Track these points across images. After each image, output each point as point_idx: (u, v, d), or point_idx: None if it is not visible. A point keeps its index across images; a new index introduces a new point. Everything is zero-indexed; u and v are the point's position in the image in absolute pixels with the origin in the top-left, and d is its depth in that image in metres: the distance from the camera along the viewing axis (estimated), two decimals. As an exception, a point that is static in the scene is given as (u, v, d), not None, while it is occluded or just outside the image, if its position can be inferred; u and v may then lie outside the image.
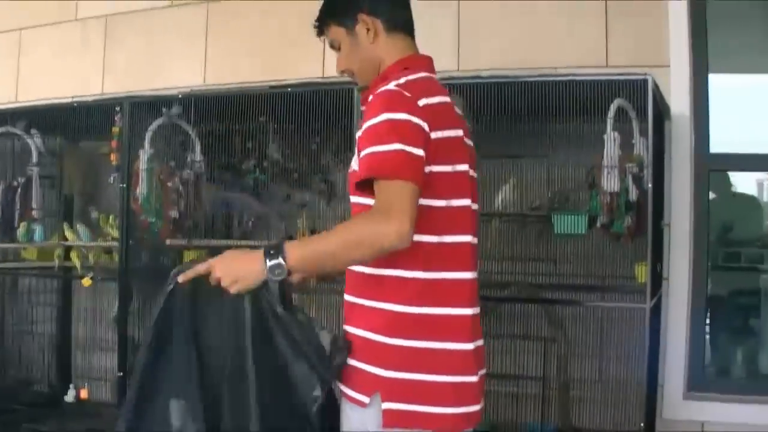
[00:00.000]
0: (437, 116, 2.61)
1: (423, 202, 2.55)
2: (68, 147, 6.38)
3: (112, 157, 5.24)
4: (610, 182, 4.24)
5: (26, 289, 6.55)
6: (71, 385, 6.33)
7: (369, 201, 2.59)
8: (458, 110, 2.84)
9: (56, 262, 5.71)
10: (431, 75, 2.82)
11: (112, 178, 5.33)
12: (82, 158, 6.36)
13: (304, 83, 4.91)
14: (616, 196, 4.25)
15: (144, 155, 5.09)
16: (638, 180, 4.26)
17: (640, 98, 4.19)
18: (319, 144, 5.33)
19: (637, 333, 4.36)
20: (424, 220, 2.55)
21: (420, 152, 2.51)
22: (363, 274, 2.71)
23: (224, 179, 5.55)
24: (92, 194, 6.31)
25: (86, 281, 5.48)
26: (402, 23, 2.88)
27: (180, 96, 5.12)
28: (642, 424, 4.21)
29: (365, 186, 2.57)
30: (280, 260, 2.50)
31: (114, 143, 5.22)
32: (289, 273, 2.54)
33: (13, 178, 5.95)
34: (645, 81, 4.11)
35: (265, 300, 2.59)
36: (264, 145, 5.36)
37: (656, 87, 4.26)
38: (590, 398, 4.76)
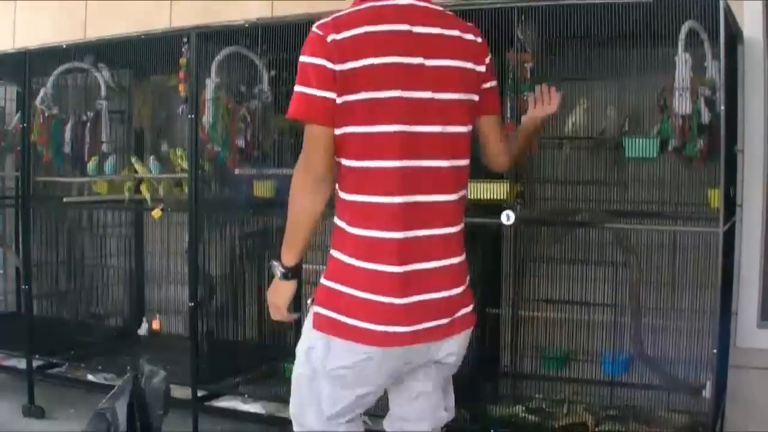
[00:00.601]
0: (351, 49, 2.75)
1: (344, 129, 2.80)
2: (137, 81, 6.42)
3: (181, 88, 5.25)
4: (681, 105, 4.17)
5: (98, 223, 6.62)
6: (144, 318, 6.41)
7: None
8: (421, 30, 2.87)
9: (127, 195, 5.75)
10: (379, 3, 2.87)
11: (180, 110, 5.35)
12: (151, 92, 6.39)
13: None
14: (688, 119, 4.18)
15: (210, 84, 5.08)
16: (711, 103, 4.19)
17: (711, 20, 4.09)
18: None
19: (710, 259, 4.32)
20: (346, 146, 2.82)
21: (318, 92, 2.77)
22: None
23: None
24: (162, 127, 6.35)
25: (156, 213, 5.52)
26: None
27: (247, 26, 5.09)
28: (715, 351, 4.16)
29: None
30: (277, 264, 3.06)
31: (182, 74, 5.23)
32: (297, 270, 3.06)
33: (82, 113, 5.99)
34: (716, 2, 4.01)
35: None
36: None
37: (729, 9, 4.16)
38: (663, 326, 4.72)
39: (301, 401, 3.08)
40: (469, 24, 3.02)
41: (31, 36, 7.05)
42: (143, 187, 5.68)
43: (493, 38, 4.49)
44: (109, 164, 5.83)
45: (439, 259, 2.91)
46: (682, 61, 4.19)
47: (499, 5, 4.38)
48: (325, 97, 2.76)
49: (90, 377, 5.91)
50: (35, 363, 6.02)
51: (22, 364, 6.08)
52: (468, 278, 3.06)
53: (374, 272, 2.82)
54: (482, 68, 2.99)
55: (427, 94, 2.83)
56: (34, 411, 5.89)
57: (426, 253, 2.87)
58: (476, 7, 4.45)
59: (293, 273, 3.06)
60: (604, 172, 4.90)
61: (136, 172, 5.72)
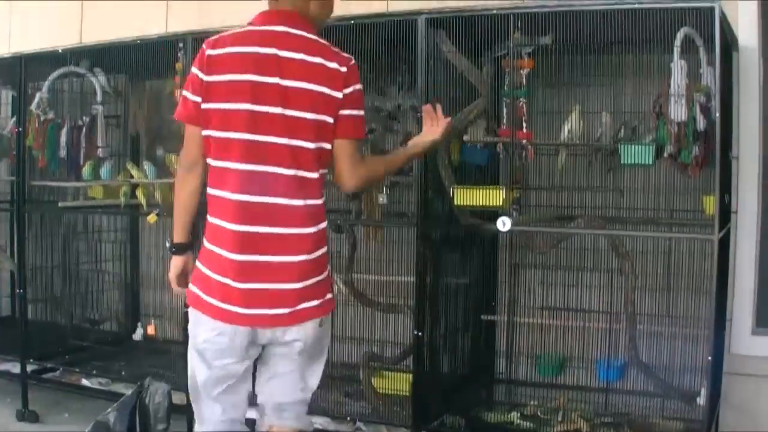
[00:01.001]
0: (218, 65, 3.18)
1: (206, 132, 3.21)
2: (133, 86, 6.42)
3: (176, 93, 5.24)
4: (677, 111, 4.18)
5: (93, 228, 6.63)
6: (139, 323, 6.40)
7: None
8: (289, 54, 3.21)
9: (122, 200, 5.75)
10: (255, 28, 3.28)
11: (176, 114, 5.34)
12: (147, 97, 6.39)
13: (368, 15, 4.87)
14: (684, 126, 4.19)
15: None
16: (706, 110, 4.19)
17: (707, 27, 4.09)
18: (384, 77, 5.31)
19: (704, 266, 4.33)
20: (208, 147, 3.23)
21: (190, 96, 3.23)
22: None
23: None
24: (158, 132, 6.34)
25: (152, 218, 5.51)
26: None
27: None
28: (709, 358, 4.17)
29: None
30: (168, 240, 3.54)
31: (177, 80, 5.22)
32: (182, 246, 3.49)
33: (78, 117, 5.99)
34: (712, 9, 4.00)
35: None
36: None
37: (724, 16, 4.17)
38: (658, 332, 4.73)
39: (188, 372, 3.39)
40: (344, 55, 3.30)
41: (27, 40, 7.06)
42: (139, 192, 5.67)
43: (490, 43, 4.53)
44: (104, 169, 5.83)
45: (277, 255, 3.20)
46: (678, 67, 4.19)
47: (495, 12, 4.39)
48: (194, 102, 3.22)
49: (85, 382, 5.88)
50: (30, 367, 6.00)
51: (16, 368, 6.06)
52: (320, 274, 3.31)
53: (219, 256, 3.20)
54: (339, 95, 3.24)
55: (277, 110, 3.16)
56: (28, 415, 5.87)
57: (263, 247, 3.19)
58: (473, 14, 4.47)
59: (179, 248, 3.49)
60: (600, 179, 4.91)
61: (131, 176, 5.72)
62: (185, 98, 3.25)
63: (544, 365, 5.08)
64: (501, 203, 4.40)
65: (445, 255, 4.85)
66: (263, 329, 3.23)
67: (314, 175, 3.25)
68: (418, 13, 4.58)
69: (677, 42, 4.18)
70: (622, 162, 4.46)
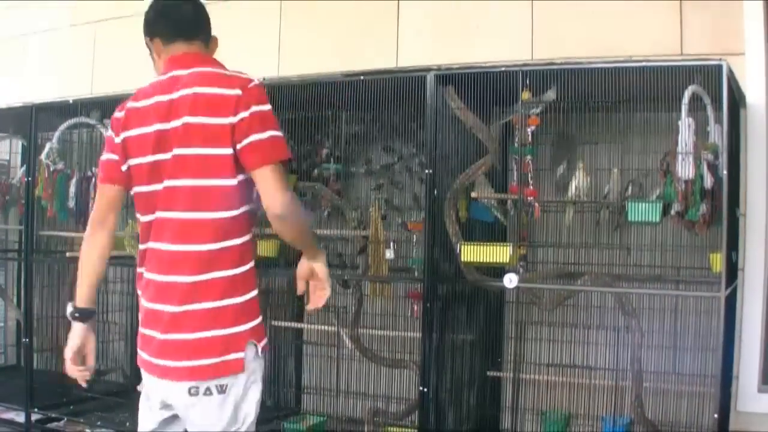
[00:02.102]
0: (129, 120, 3.14)
1: (133, 189, 3.18)
2: (142, 137, 6.44)
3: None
4: (684, 169, 4.19)
5: (99, 278, 6.62)
6: (144, 374, 6.38)
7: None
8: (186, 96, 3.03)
9: (128, 251, 5.75)
10: (160, 78, 3.18)
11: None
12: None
13: (377, 71, 4.90)
14: (691, 184, 4.20)
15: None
16: (713, 168, 4.21)
17: (714, 85, 4.12)
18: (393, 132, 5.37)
19: (711, 324, 4.31)
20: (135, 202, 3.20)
21: (107, 156, 3.21)
22: None
23: (298, 168, 5.60)
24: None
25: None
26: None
27: (253, 85, 5.12)
28: (716, 416, 4.14)
29: None
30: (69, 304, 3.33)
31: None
32: (83, 309, 3.29)
33: (87, 168, 6.01)
34: (720, 67, 4.03)
35: None
36: (338, 135, 5.42)
37: (731, 74, 4.19)
38: (664, 390, 4.71)
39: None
40: (243, 77, 3.07)
41: (38, 90, 7.11)
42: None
43: (499, 100, 4.56)
44: (112, 220, 5.84)
45: (172, 303, 3.00)
46: (686, 125, 4.21)
47: (503, 69, 4.41)
48: (107, 160, 3.21)
49: (88, 432, 5.88)
50: (34, 417, 6.00)
51: (20, 417, 6.06)
52: (224, 329, 3.00)
53: (140, 304, 3.17)
54: (232, 120, 2.96)
55: (175, 152, 3.00)
56: (31, 465, 5.86)
57: (159, 295, 3.05)
58: (482, 70, 4.50)
59: (81, 314, 3.28)
60: (607, 236, 4.92)
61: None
62: (101, 161, 3.26)
63: (549, 422, 5.05)
64: (508, 260, 4.41)
65: (452, 311, 4.84)
66: (159, 381, 3.09)
67: (225, 214, 3.00)
68: (427, 69, 4.60)
69: (685, 100, 4.20)
70: (629, 219, 4.46)
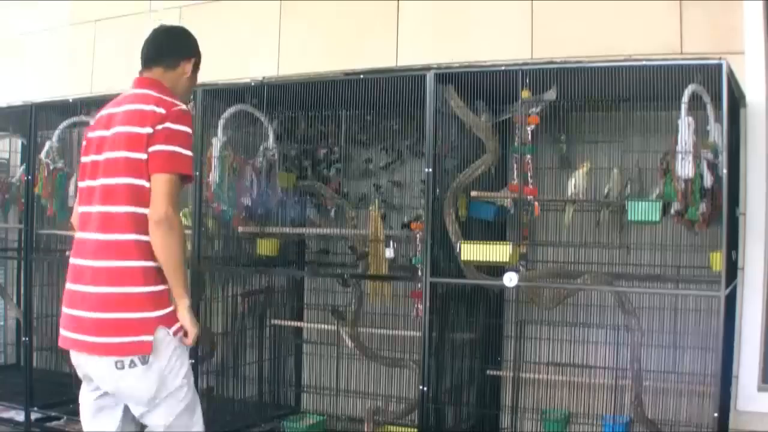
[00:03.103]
0: (93, 125, 3.65)
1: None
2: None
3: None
4: (684, 168, 4.19)
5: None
6: (143, 373, 6.37)
7: None
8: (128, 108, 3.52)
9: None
10: (128, 91, 3.66)
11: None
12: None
13: (377, 70, 4.90)
14: (691, 183, 4.20)
15: (217, 143, 5.10)
16: (713, 167, 4.20)
17: (714, 84, 4.11)
18: (392, 131, 5.37)
19: (711, 323, 4.31)
20: None
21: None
22: None
23: (297, 167, 5.60)
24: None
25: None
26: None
27: (253, 84, 5.13)
28: (716, 415, 4.14)
29: None
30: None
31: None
32: None
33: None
34: (719, 66, 4.03)
35: None
36: (337, 133, 5.42)
37: (731, 73, 4.19)
38: (663, 389, 4.71)
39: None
40: (173, 103, 3.50)
41: (38, 89, 7.10)
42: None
43: (498, 99, 4.56)
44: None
45: (87, 285, 3.43)
46: (685, 124, 4.20)
47: (503, 68, 4.41)
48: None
49: (88, 431, 5.86)
50: (34, 415, 6.00)
51: (20, 416, 6.05)
52: (137, 311, 3.37)
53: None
54: (148, 130, 3.40)
55: (106, 155, 3.47)
56: (31, 464, 5.86)
57: (78, 277, 3.49)
58: (481, 69, 4.50)
59: None
60: (607, 235, 4.91)
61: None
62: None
63: (549, 421, 5.05)
64: (508, 259, 4.41)
65: (452, 310, 4.84)
66: (76, 355, 3.55)
67: (128, 209, 3.41)
68: (427, 68, 4.60)
69: (685, 99, 4.20)
70: (629, 219, 4.46)
